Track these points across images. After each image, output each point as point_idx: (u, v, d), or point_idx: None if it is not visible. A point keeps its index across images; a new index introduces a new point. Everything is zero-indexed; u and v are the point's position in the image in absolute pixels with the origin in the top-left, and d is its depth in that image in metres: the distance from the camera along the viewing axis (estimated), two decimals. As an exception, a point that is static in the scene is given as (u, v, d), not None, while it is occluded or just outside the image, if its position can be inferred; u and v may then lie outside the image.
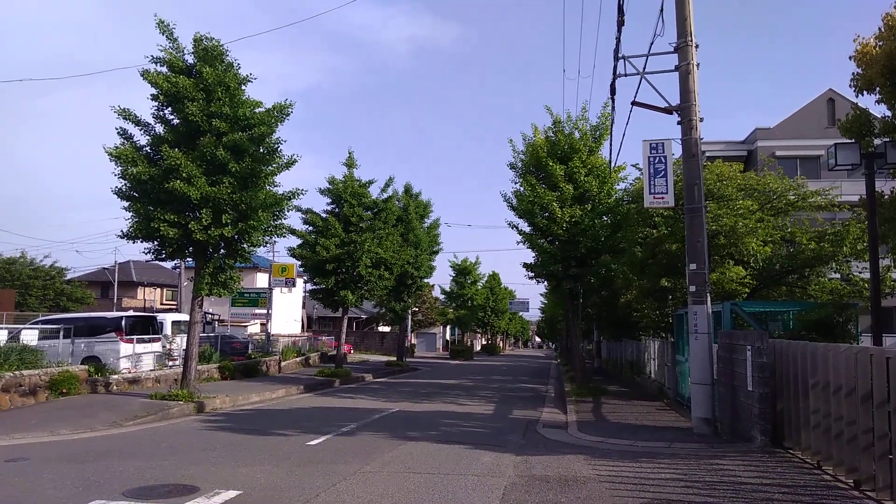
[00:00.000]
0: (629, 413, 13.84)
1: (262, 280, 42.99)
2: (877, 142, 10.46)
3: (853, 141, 10.56)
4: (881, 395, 6.16)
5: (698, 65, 11.35)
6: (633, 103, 12.24)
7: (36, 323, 19.78)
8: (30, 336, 16.53)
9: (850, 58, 10.11)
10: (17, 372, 13.08)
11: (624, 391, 19.41)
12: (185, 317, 21.53)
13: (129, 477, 7.27)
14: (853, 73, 10.14)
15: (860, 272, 15.03)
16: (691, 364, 11.09)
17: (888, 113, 9.92)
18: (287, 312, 48.17)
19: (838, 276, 15.56)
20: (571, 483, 7.17)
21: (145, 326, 20.59)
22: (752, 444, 9.18)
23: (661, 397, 16.70)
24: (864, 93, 10.01)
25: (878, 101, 9.92)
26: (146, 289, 53.61)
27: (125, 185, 13.94)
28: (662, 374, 17.74)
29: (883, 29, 9.53)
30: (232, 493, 6.53)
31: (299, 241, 24.40)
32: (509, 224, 19.48)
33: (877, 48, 9.62)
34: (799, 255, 14.90)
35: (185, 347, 15.41)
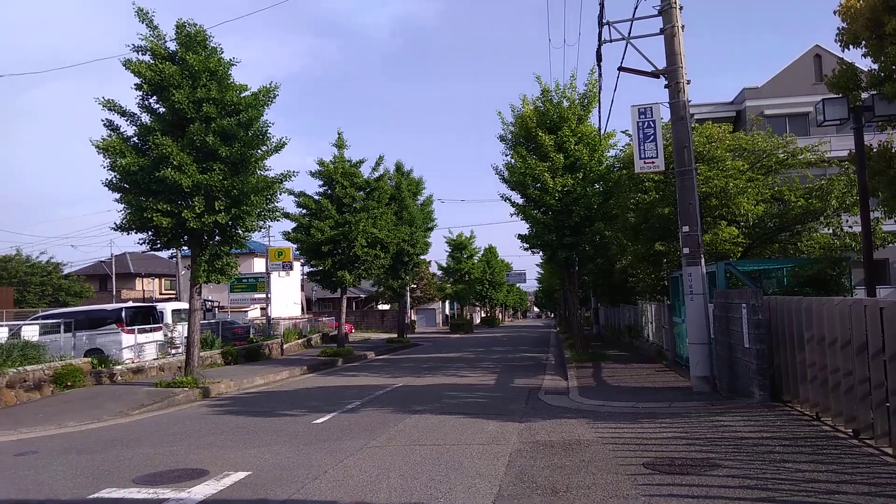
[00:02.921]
0: (629, 376, 14.01)
1: (259, 265, 42.98)
2: (864, 95, 10.47)
3: (841, 96, 10.58)
4: (876, 345, 6.27)
5: (683, 27, 11.32)
6: (620, 69, 12.20)
7: (36, 318, 19.80)
8: (30, 332, 16.56)
9: (834, 12, 10.08)
10: (20, 368, 13.13)
11: (623, 355, 19.61)
12: (184, 305, 21.58)
13: (139, 464, 7.37)
14: (838, 28, 10.11)
15: (850, 226, 15.14)
16: (688, 325, 11.21)
17: (874, 66, 9.90)
18: (286, 296, 48.24)
19: (829, 231, 15.67)
20: (575, 447, 7.29)
21: (146, 316, 20.64)
22: (751, 400, 9.34)
23: (660, 359, 16.89)
24: (850, 47, 9.99)
25: (864, 55, 9.90)
26: (144, 279, 53.54)
27: (115, 176, 13.87)
28: (660, 337, 17.92)
29: (867, -19, 9.48)
30: (241, 475, 6.64)
31: (294, 225, 24.39)
32: (502, 196, 19.51)
33: (861, 1, 9.58)
34: (789, 212, 14.97)
35: (186, 335, 15.48)
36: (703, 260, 11.04)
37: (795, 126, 28.74)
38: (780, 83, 31.11)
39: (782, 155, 16.09)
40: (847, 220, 15.28)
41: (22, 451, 8.47)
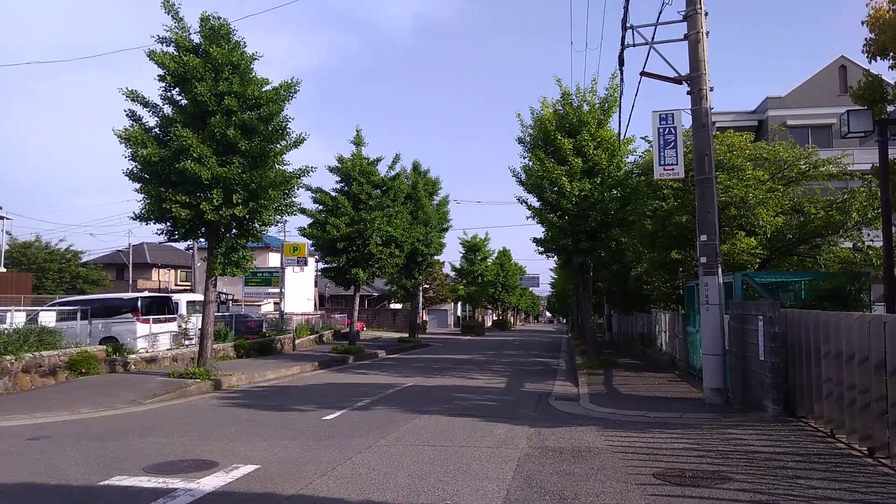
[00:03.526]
0: (641, 385, 13.91)
1: (274, 260, 43.21)
2: (890, 108, 10.34)
3: (866, 108, 10.43)
4: (894, 362, 6.17)
5: (708, 33, 11.22)
6: (643, 74, 12.11)
7: (53, 305, 20.03)
8: (48, 318, 16.75)
9: (862, 23, 9.96)
10: (36, 353, 13.28)
11: (635, 363, 19.49)
12: (199, 297, 21.73)
13: (150, 453, 7.42)
14: (866, 39, 9.98)
15: (871, 241, 14.94)
16: (703, 335, 11.11)
17: (902, 78, 9.78)
18: (300, 291, 48.47)
19: (850, 244, 15.47)
20: (585, 454, 7.25)
21: (161, 307, 20.81)
22: (764, 414, 9.23)
23: (673, 369, 16.76)
24: (877, 58, 9.87)
25: (891, 67, 9.79)
26: (160, 270, 54.03)
27: (136, 167, 14.00)
28: (674, 346, 17.78)
29: (897, -8, 9.36)
30: (250, 468, 6.66)
31: (310, 221, 24.51)
32: (518, 199, 19.46)
33: (890, 12, 9.46)
34: (809, 224, 14.80)
35: (200, 327, 15.58)
36: (720, 270, 10.93)
37: (818, 137, 28.41)
38: (804, 93, 30.78)
39: (804, 166, 15.92)
40: (868, 234, 15.09)
41: (36, 435, 8.56)
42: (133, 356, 16.22)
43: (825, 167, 15.74)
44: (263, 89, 14.44)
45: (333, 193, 24.61)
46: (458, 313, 69.95)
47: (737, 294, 11.36)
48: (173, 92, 14.43)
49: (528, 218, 19.44)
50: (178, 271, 55.75)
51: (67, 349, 14.38)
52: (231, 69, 14.00)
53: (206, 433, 8.68)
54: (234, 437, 8.37)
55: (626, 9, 12.26)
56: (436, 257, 35.35)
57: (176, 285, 53.10)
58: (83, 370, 14.23)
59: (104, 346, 15.91)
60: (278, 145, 14.61)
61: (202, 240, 15.78)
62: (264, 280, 33.67)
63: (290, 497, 5.69)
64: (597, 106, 18.29)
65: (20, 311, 17.65)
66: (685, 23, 11.30)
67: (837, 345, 7.45)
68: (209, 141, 13.76)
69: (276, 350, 23.01)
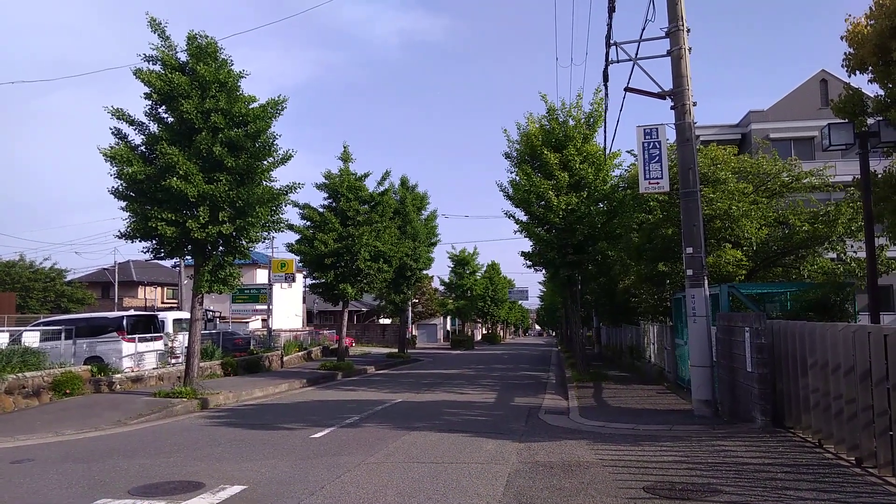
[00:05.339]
0: (630, 397, 13.92)
1: (261, 276, 42.99)
2: (870, 121, 10.49)
3: (847, 121, 10.60)
4: (880, 372, 6.22)
5: (690, 49, 11.36)
6: (626, 89, 12.23)
7: (37, 324, 19.79)
8: (31, 338, 16.55)
9: (841, 38, 10.13)
10: (19, 374, 13.10)
11: (624, 376, 19.51)
12: (186, 315, 21.56)
13: (135, 475, 7.32)
14: (845, 53, 10.15)
15: (855, 252, 15.11)
16: (690, 347, 11.15)
17: (881, 92, 9.94)
18: (288, 307, 48.20)
19: (834, 255, 15.63)
20: (575, 468, 7.23)
21: (147, 325, 20.62)
22: (752, 425, 9.26)
23: (661, 381, 16.79)
24: (857, 72, 10.03)
25: (870, 81, 9.95)
26: (146, 288, 53.57)
27: (121, 184, 13.93)
28: (662, 358, 17.83)
29: (874, 8, 9.55)
30: (237, 488, 6.59)
31: (297, 237, 24.42)
32: (506, 213, 19.53)
33: (868, 27, 9.63)
34: (794, 236, 14.96)
35: (187, 345, 15.45)
36: (706, 282, 11.00)
37: (801, 150, 28.81)
38: (786, 107, 31.22)
39: (787, 178, 16.11)
40: (851, 246, 15.26)
41: (19, 458, 8.43)
42: (118, 376, 16.03)
43: (808, 179, 15.95)
44: (250, 106, 14.45)
45: (321, 209, 24.56)
46: (448, 327, 69.83)
47: (723, 305, 11.43)
48: (160, 109, 14.40)
49: (515, 232, 19.62)
50: (165, 289, 55.30)
51: (51, 370, 14.20)
52: (218, 87, 14.00)
53: (192, 453, 8.58)
54: (221, 457, 8.27)
55: (609, 26, 12.41)
56: (424, 272, 35.30)
57: (163, 303, 52.66)
58: (67, 391, 14.04)
59: (89, 367, 15.71)
60: (265, 162, 14.59)
61: (189, 257, 15.69)
62: (252, 297, 33.40)
63: (279, 517, 5.62)
64: (582, 121, 18.44)
65: (3, 331, 17.47)
66: (668, 39, 11.45)
67: (823, 355, 7.50)
68: (195, 158, 13.72)
69: (264, 367, 22.83)
